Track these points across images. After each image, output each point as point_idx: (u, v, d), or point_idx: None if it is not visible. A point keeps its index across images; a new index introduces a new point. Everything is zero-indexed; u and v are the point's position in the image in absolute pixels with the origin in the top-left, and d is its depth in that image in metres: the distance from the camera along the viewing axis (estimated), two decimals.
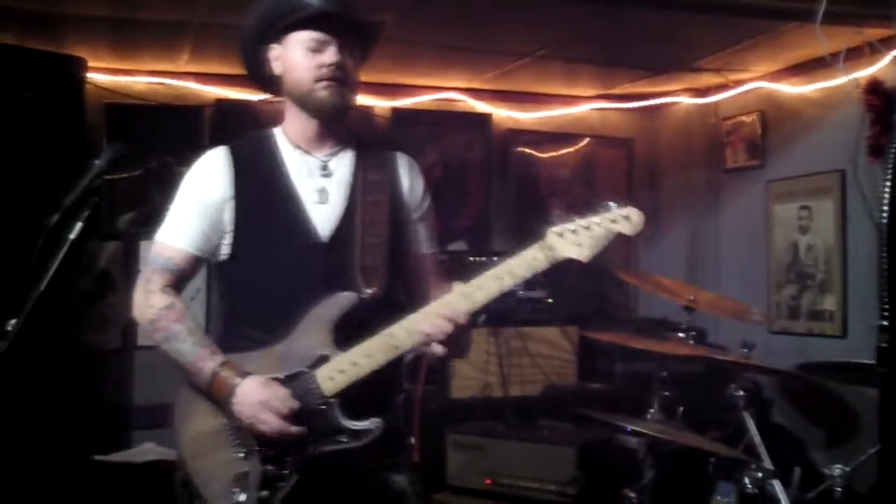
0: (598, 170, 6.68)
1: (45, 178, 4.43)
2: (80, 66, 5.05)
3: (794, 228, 5.46)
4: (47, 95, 4.76)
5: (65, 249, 2.34)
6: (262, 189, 2.58)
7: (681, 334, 4.09)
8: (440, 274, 2.76)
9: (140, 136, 5.55)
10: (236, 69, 5.82)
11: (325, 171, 2.60)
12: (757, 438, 3.65)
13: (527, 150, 6.48)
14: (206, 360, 2.44)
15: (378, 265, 2.51)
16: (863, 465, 3.58)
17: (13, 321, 2.23)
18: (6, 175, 4.55)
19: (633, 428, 3.82)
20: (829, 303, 5.17)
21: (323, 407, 2.41)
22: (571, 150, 6.57)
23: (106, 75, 5.54)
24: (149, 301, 2.53)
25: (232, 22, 4.66)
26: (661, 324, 5.60)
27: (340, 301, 2.45)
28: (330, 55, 2.52)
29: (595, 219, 2.34)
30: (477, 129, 6.34)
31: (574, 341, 5.66)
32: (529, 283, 5.70)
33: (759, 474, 3.57)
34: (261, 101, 5.80)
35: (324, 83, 2.52)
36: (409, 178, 2.70)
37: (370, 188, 2.59)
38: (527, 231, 6.89)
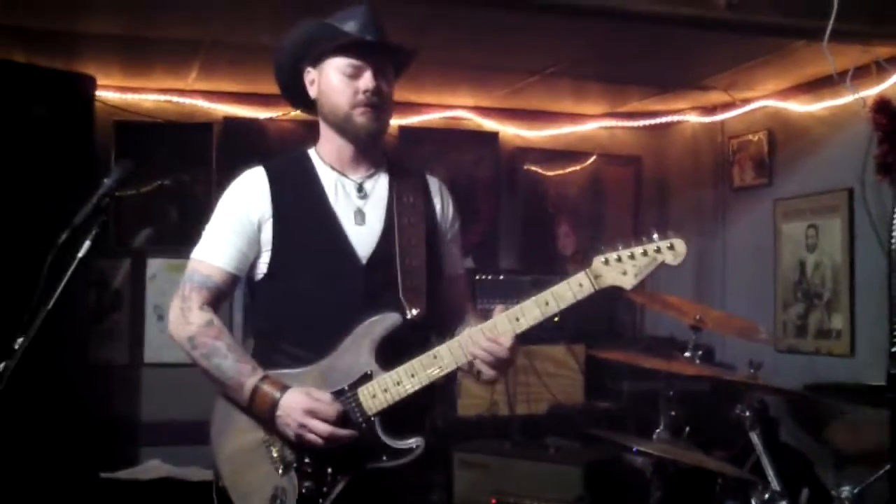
0: (606, 187, 6.68)
1: (55, 195, 4.45)
2: (89, 83, 5.07)
3: (801, 247, 5.45)
4: (57, 113, 4.79)
5: (73, 267, 2.35)
6: (300, 209, 2.60)
7: (688, 353, 4.08)
8: (469, 292, 2.83)
9: (148, 153, 5.59)
10: (244, 87, 5.90)
11: (362, 193, 2.64)
12: (764, 458, 3.64)
13: (534, 168, 6.49)
14: (248, 376, 2.46)
15: (419, 286, 2.55)
16: (871, 487, 3.56)
17: (21, 339, 2.24)
18: (16, 192, 4.57)
19: (640, 447, 3.80)
20: (837, 322, 5.16)
21: (364, 425, 2.44)
22: (578, 167, 6.58)
23: (115, 93, 5.59)
24: (187, 318, 2.54)
25: (241, 41, 4.74)
26: (669, 342, 5.58)
27: (386, 321, 2.48)
28: (366, 81, 2.54)
29: (640, 248, 2.40)
30: (485, 146, 6.35)
31: (581, 360, 5.66)
32: None
33: (767, 495, 3.55)
34: (268, 119, 5.84)
35: (360, 109, 2.55)
36: (440, 201, 2.75)
37: (406, 210, 2.63)
38: (534, 249, 6.88)
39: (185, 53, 4.99)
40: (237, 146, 5.78)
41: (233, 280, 2.61)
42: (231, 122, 5.80)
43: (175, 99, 5.72)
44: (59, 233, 2.36)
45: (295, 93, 2.70)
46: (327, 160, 2.66)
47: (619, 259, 2.40)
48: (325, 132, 2.67)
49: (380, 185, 2.66)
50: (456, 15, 4.09)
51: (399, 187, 2.66)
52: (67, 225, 2.38)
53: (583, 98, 6.17)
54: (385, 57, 2.61)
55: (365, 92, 2.54)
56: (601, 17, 4.09)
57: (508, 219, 6.41)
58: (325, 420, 2.38)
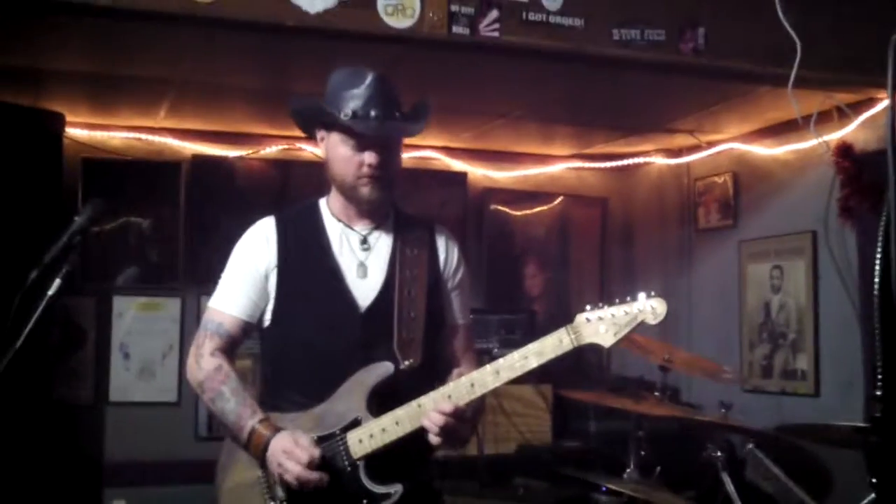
0: (573, 228, 6.72)
1: (22, 232, 4.41)
2: (58, 120, 5.05)
3: (766, 288, 5.50)
4: (25, 150, 4.76)
5: (43, 305, 2.33)
6: (304, 260, 2.70)
7: (656, 393, 4.10)
8: (472, 342, 2.89)
9: (117, 191, 5.56)
10: (213, 125, 5.89)
11: (366, 245, 2.72)
12: (735, 499, 3.65)
13: (501, 208, 6.53)
14: (247, 419, 2.58)
15: (415, 338, 2.63)
16: None
17: None
18: None
19: (609, 486, 3.81)
20: (802, 362, 5.20)
21: (349, 469, 2.53)
22: (545, 208, 6.62)
23: (83, 130, 5.56)
24: (199, 364, 2.68)
25: (210, 80, 4.74)
26: (636, 382, 5.60)
27: (378, 370, 2.56)
28: (371, 156, 2.61)
29: (624, 307, 2.46)
30: (453, 186, 6.38)
31: (549, 399, 5.66)
32: (505, 341, 5.72)
33: None
34: (237, 158, 5.84)
35: (364, 180, 2.63)
36: (445, 251, 2.81)
37: (409, 262, 2.71)
38: (501, 289, 6.84)
39: (155, 91, 4.99)
40: (206, 184, 5.77)
41: (245, 327, 2.72)
42: (200, 160, 5.79)
43: (144, 136, 5.70)
44: (27, 270, 2.35)
45: (313, 136, 2.78)
46: (334, 212, 2.75)
47: (601, 318, 2.46)
48: (334, 189, 2.74)
49: (384, 238, 2.74)
50: (424, 57, 4.13)
51: (403, 239, 2.74)
52: (35, 262, 2.37)
53: (550, 140, 6.23)
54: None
55: (369, 166, 2.61)
56: (568, 62, 4.14)
57: (475, 259, 6.42)
58: (297, 462, 2.46)
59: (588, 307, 2.48)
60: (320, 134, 2.72)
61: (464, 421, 2.50)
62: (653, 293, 2.46)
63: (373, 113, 2.59)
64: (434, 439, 2.48)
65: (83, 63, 4.56)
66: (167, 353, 5.65)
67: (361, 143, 2.61)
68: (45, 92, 5.00)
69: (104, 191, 5.41)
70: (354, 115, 2.59)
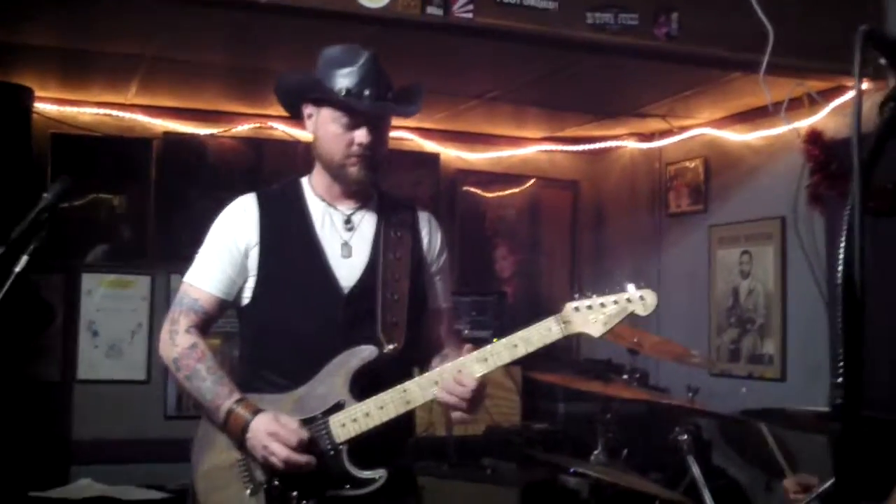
0: (544, 211, 6.74)
1: None
2: (27, 95, 5.00)
3: (735, 273, 5.54)
4: None
5: (10, 282, 2.32)
6: (286, 238, 2.66)
7: (625, 376, 4.13)
8: (453, 326, 2.88)
9: (86, 167, 5.51)
10: (185, 102, 5.85)
11: (349, 225, 2.68)
12: (701, 482, 3.69)
13: (474, 190, 6.53)
14: (224, 399, 2.52)
15: (399, 321, 2.60)
16: None
17: None
18: None
19: (576, 469, 3.83)
20: (769, 346, 5.25)
21: (332, 453, 2.49)
22: (517, 190, 6.63)
23: (53, 105, 5.50)
24: (174, 341, 2.61)
25: (182, 56, 4.70)
26: (605, 365, 5.63)
27: (362, 353, 2.53)
28: (362, 135, 2.58)
29: (612, 297, 2.45)
30: (425, 168, 6.37)
31: (518, 381, 5.67)
32: (475, 323, 5.73)
33: None
34: (209, 136, 5.80)
35: (353, 159, 2.59)
36: (428, 235, 2.79)
37: (392, 244, 2.68)
38: (472, 270, 6.84)
39: (126, 68, 4.95)
40: (177, 162, 5.73)
41: (221, 304, 2.67)
42: (171, 138, 5.75)
43: (114, 113, 5.65)
44: None
45: (297, 114, 2.74)
46: (318, 191, 2.70)
47: (590, 307, 2.44)
48: (318, 167, 2.70)
49: (368, 218, 2.70)
50: (397, 38, 4.11)
51: (387, 221, 2.71)
52: (2, 238, 2.35)
53: (523, 122, 6.23)
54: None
55: (359, 145, 2.57)
56: (542, 45, 4.14)
57: (447, 240, 6.40)
58: (285, 444, 2.43)
59: (577, 296, 2.46)
60: (308, 110, 2.67)
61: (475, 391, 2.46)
62: (642, 284, 2.44)
63: (367, 92, 2.55)
64: (452, 407, 2.47)
65: (52, 37, 4.51)
66: (136, 332, 5.62)
67: (353, 122, 2.56)
68: (13, 66, 4.93)
69: (73, 167, 5.36)
70: (349, 92, 2.55)
